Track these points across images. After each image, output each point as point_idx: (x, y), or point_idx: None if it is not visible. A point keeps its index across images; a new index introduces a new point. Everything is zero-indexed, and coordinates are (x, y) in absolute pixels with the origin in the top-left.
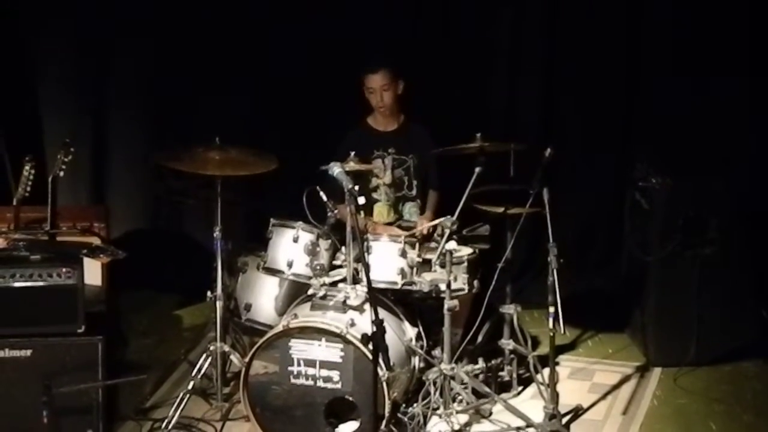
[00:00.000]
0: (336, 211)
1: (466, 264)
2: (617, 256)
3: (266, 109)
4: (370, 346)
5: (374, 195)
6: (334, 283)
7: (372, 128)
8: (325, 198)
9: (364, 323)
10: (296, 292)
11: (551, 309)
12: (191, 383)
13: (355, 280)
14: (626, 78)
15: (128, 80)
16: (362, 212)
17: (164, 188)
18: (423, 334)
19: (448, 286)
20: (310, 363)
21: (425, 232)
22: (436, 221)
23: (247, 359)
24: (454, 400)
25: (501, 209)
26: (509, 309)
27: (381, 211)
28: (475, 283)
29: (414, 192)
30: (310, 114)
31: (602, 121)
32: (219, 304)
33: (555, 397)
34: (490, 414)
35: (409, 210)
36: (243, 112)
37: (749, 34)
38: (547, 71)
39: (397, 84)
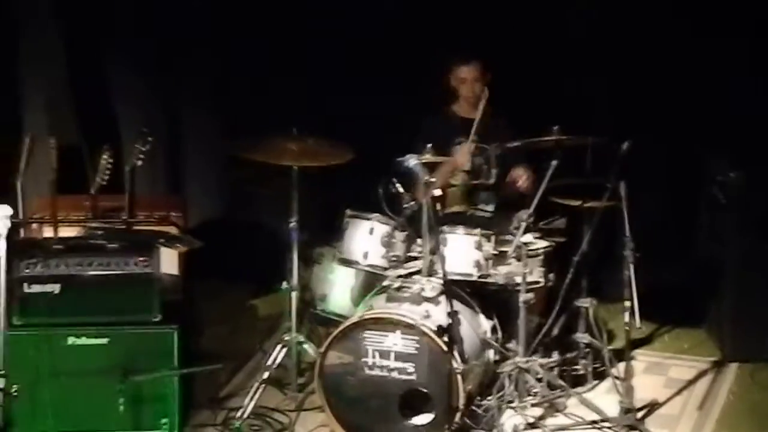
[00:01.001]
0: (413, 202)
1: (541, 257)
2: (693, 251)
3: (343, 97)
4: (445, 338)
5: (451, 180)
6: (409, 275)
7: (456, 115)
8: (401, 189)
9: (440, 315)
10: (371, 284)
11: (627, 303)
12: (266, 373)
13: (431, 272)
14: (702, 74)
15: (204, 69)
16: (438, 205)
17: (240, 178)
18: (498, 326)
19: (524, 278)
20: (384, 354)
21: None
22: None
23: (322, 350)
24: (528, 394)
25: (578, 202)
26: (585, 303)
27: (454, 197)
28: (551, 276)
29: (491, 180)
30: (386, 102)
31: (678, 115)
32: (294, 295)
33: (630, 391)
34: (565, 408)
35: (485, 198)
36: (319, 100)
37: None
38: (624, 65)
39: (486, 76)
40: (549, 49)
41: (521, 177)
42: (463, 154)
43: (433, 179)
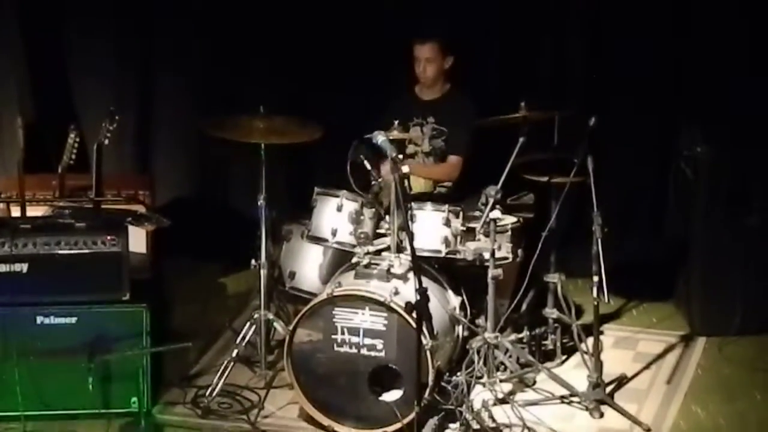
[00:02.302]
0: (380, 180)
1: (510, 233)
2: (662, 226)
3: (311, 76)
4: (414, 315)
5: (410, 161)
6: (378, 252)
7: (416, 96)
8: (369, 167)
9: (408, 292)
10: (340, 261)
11: (595, 278)
12: (235, 351)
13: (399, 249)
14: (673, 46)
15: (172, 47)
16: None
17: (210, 156)
18: (467, 302)
19: (492, 254)
20: (353, 331)
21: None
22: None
23: (291, 327)
24: (497, 369)
25: (545, 178)
26: (553, 278)
27: (418, 178)
28: (519, 251)
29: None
30: (355, 81)
31: (648, 90)
32: (263, 272)
33: (599, 366)
34: (534, 383)
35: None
36: (287, 79)
37: None
38: (592, 38)
39: (444, 58)
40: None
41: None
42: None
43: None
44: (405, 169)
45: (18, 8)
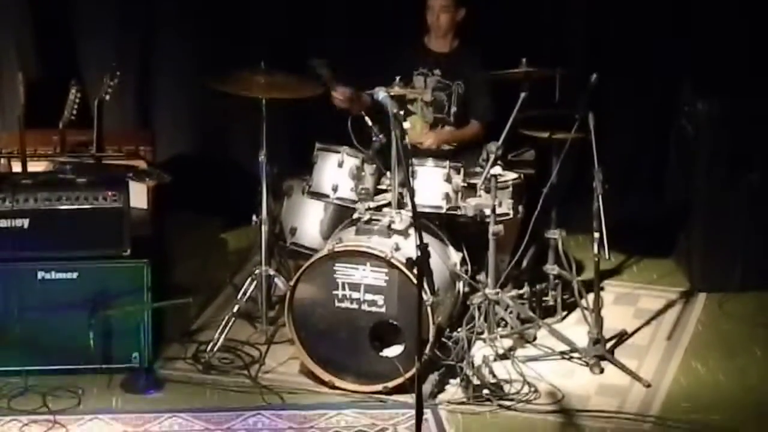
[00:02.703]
0: (381, 135)
1: (511, 189)
2: (663, 182)
3: (314, 28)
4: (415, 271)
5: (410, 107)
6: (378, 208)
7: (425, 47)
8: (370, 123)
9: (409, 248)
10: (341, 217)
11: (596, 234)
12: (236, 306)
13: (400, 205)
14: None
15: (173, 2)
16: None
17: (211, 112)
18: (468, 259)
19: (493, 210)
20: (354, 287)
21: (426, 146)
22: (444, 139)
23: (291, 283)
24: (498, 325)
25: (546, 134)
26: (554, 234)
27: (414, 124)
28: (520, 208)
29: (452, 119)
30: (360, 32)
31: (648, 43)
32: (264, 228)
33: (599, 322)
34: (535, 339)
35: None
36: (291, 34)
37: None
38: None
39: (458, 10)
40: None
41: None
42: (429, 137)
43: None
44: (406, 125)
45: None
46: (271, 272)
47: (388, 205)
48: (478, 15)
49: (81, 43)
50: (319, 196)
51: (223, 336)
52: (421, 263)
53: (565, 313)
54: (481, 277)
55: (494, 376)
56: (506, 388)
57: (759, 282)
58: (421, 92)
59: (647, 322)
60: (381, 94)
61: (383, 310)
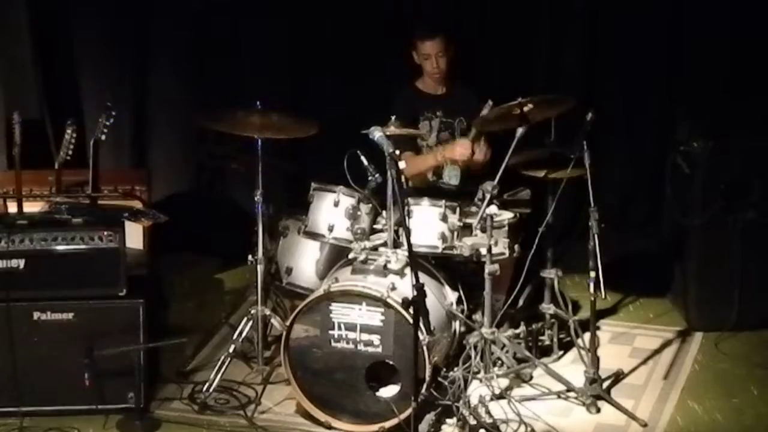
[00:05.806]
0: (377, 175)
1: (506, 228)
2: (658, 221)
3: (309, 71)
4: (411, 310)
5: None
6: (374, 247)
7: (421, 91)
8: (365, 162)
9: (405, 287)
10: (337, 256)
11: (592, 273)
12: (232, 346)
13: (396, 244)
14: (668, 39)
15: (168, 42)
16: (404, 178)
17: (205, 151)
18: (464, 298)
19: (489, 250)
20: (350, 327)
21: (477, 158)
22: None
23: (288, 323)
24: (494, 365)
25: (542, 173)
26: (550, 273)
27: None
28: (516, 247)
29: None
30: (352, 76)
31: (644, 84)
32: (260, 268)
33: (596, 361)
34: (531, 378)
35: (449, 173)
36: (285, 74)
37: None
38: (588, 34)
39: (450, 49)
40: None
41: (464, 146)
42: (461, 146)
43: (403, 158)
44: (402, 164)
45: (24, 4)
46: (267, 312)
47: (384, 244)
48: (472, 53)
49: (77, 82)
50: (314, 236)
51: (219, 376)
52: (417, 303)
53: (561, 352)
54: (477, 316)
55: (491, 415)
56: (503, 428)
57: (755, 321)
58: (426, 136)
59: (644, 362)
60: (377, 134)
61: (379, 350)
